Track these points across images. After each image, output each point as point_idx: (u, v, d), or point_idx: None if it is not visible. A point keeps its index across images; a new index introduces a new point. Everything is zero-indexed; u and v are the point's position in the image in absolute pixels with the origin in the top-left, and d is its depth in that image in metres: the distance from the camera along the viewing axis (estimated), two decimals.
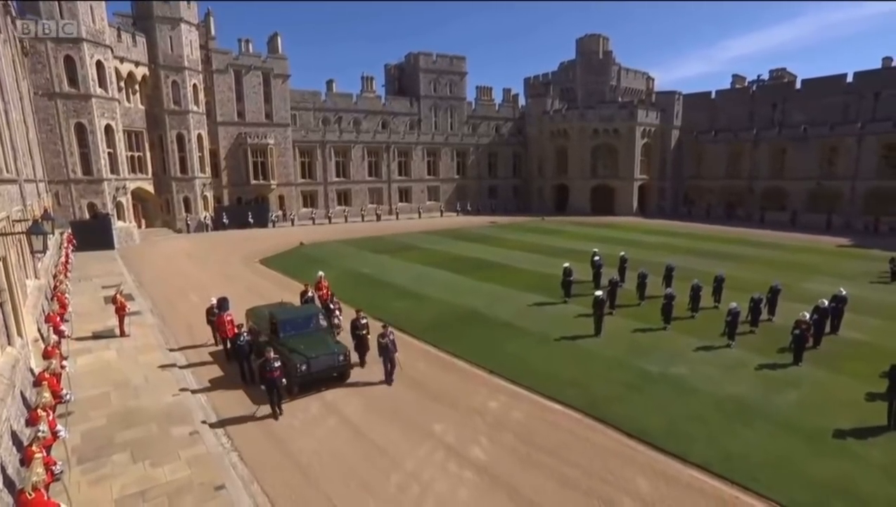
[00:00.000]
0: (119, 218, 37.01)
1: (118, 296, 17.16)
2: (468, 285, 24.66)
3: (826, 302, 16.91)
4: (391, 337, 13.25)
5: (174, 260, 31.89)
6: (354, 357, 14.36)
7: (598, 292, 17.76)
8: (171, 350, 16.08)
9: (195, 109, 42.96)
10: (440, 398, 12.80)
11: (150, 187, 42.24)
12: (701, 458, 10.12)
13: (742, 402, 12.55)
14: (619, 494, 9.04)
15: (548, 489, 9.19)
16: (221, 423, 11.58)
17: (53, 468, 8.60)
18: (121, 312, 17.10)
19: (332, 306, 17.14)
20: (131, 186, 39.13)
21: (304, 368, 12.71)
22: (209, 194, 46.10)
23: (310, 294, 18.74)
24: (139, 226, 41.55)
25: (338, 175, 56.30)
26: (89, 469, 9.50)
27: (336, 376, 13.54)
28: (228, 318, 15.19)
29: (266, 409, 11.93)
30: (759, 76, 60.80)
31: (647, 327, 18.22)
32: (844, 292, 18.12)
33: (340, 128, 56.52)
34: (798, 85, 55.85)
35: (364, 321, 14.61)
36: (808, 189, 50.93)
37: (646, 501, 8.89)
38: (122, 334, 17.08)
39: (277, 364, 11.52)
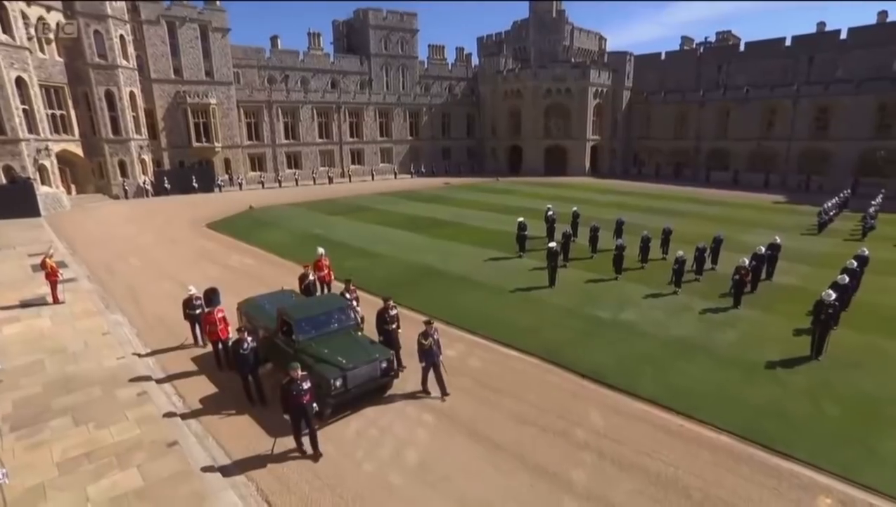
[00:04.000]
0: (43, 183, 34.02)
1: (47, 260, 15.92)
2: (423, 243, 24.59)
3: (763, 249, 18.01)
4: (435, 336, 10.34)
5: (112, 226, 29.93)
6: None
7: (552, 244, 18.12)
8: (140, 355, 12.50)
9: (125, 63, 39.43)
10: None
11: (77, 150, 38.89)
12: (649, 392, 10.67)
13: (686, 342, 13.29)
14: (573, 427, 9.43)
15: (505, 426, 9.45)
16: (239, 467, 8.42)
17: None
18: (52, 277, 15.92)
19: (347, 296, 12.83)
20: (55, 147, 35.86)
21: (338, 383, 9.38)
22: (147, 158, 43.12)
23: (311, 278, 15.25)
24: (69, 192, 38.47)
25: (287, 137, 53.92)
26: (25, 436, 8.96)
27: (376, 389, 10.35)
28: (220, 315, 11.75)
29: (284, 441, 8.85)
30: (706, 38, 62.20)
31: (598, 277, 18.83)
32: (779, 240, 19.31)
33: (287, 87, 53.81)
34: (742, 48, 57.55)
35: (394, 313, 11.60)
36: (750, 149, 53.24)
37: (598, 433, 9.31)
38: (56, 301, 15.96)
39: (307, 385, 8.53)
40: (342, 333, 10.75)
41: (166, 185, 43.23)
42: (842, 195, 35.02)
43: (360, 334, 11.14)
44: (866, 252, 17.65)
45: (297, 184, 51.86)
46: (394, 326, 11.51)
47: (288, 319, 10.57)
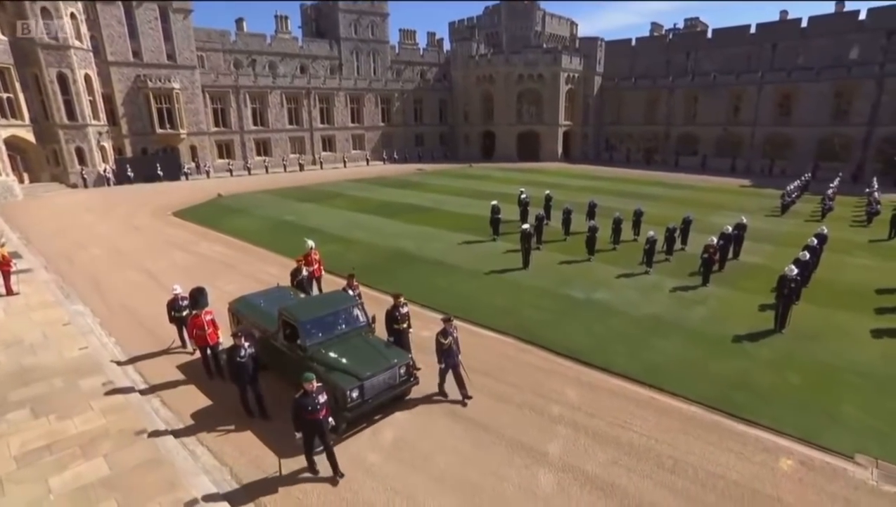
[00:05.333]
0: None
1: None
2: (397, 229, 24.40)
3: (730, 228, 18.55)
4: (455, 334, 9.54)
5: (70, 215, 28.66)
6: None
7: (525, 226, 18.24)
8: (119, 363, 11.17)
9: (77, 44, 37.40)
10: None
11: (28, 136, 36.81)
12: (622, 368, 10.89)
13: (658, 319, 13.58)
14: (550, 404, 9.54)
15: (483, 405, 9.48)
16: (248, 493, 7.38)
17: None
18: (4, 268, 15.22)
19: (350, 292, 11.59)
20: (3, 133, 33.86)
21: (355, 394, 8.37)
22: (107, 144, 41.31)
23: (304, 273, 13.89)
24: (20, 180, 36.55)
25: (255, 123, 52.47)
26: None
27: (394, 398, 9.28)
28: (209, 317, 10.55)
29: (292, 463, 7.86)
30: (675, 25, 63.09)
31: (572, 259, 19.06)
32: (745, 220, 19.92)
33: (255, 72, 52.26)
34: (709, 34, 58.56)
35: (405, 311, 10.58)
36: (717, 135, 54.49)
37: (573, 408, 9.45)
38: (9, 292, 15.25)
39: (323, 398, 7.45)
40: (352, 335, 9.64)
41: (129, 173, 41.60)
42: (803, 179, 36.29)
43: (372, 335, 9.98)
44: (825, 231, 18.36)
45: (266, 171, 50.69)
46: (404, 326, 10.48)
47: (292, 321, 9.34)
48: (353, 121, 59.47)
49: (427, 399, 9.70)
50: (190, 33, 46.12)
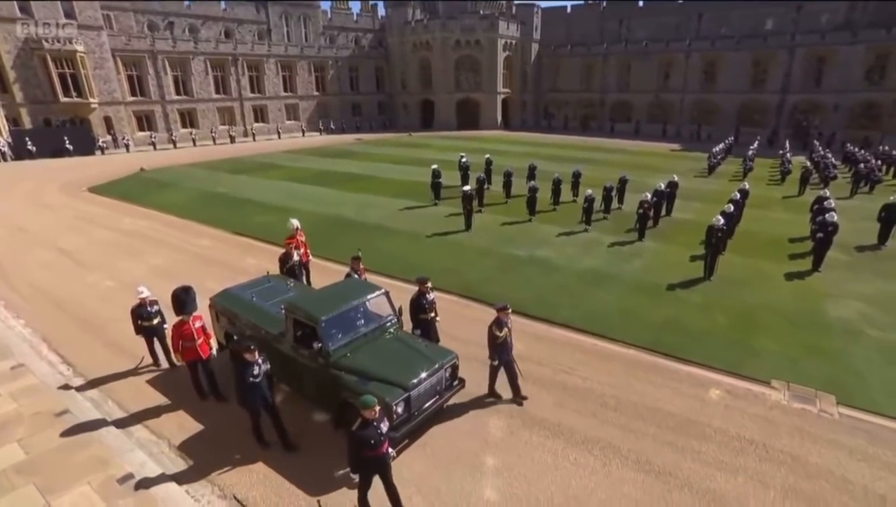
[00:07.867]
0: None
1: None
2: (336, 197, 23.71)
3: (663, 186, 19.41)
4: (510, 324, 8.12)
5: None
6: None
7: (466, 188, 18.26)
8: (77, 389, 8.66)
9: None
10: None
11: None
12: (565, 318, 11.22)
13: (598, 272, 14.09)
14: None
15: None
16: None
17: None
18: None
19: (356, 276, 10.34)
20: None
21: (401, 409, 6.81)
22: None
23: (296, 257, 11.82)
24: None
25: (178, 92, 48.57)
26: None
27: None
28: (199, 324, 8.29)
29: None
30: None
31: (513, 220, 19.34)
32: (676, 179, 20.90)
33: (173, 36, 48.14)
34: (640, 3, 60.04)
35: (431, 297, 9.22)
36: (649, 101, 56.62)
37: (520, 358, 9.50)
38: None
39: (386, 426, 5.80)
40: (380, 333, 8.02)
41: (30, 147, 37.36)
42: (727, 142, 38.57)
43: (402, 332, 8.48)
44: (747, 186, 19.64)
45: (194, 144, 47.43)
46: (431, 315, 9.13)
47: (308, 320, 7.47)
48: (285, 90, 56.45)
49: None
50: None
